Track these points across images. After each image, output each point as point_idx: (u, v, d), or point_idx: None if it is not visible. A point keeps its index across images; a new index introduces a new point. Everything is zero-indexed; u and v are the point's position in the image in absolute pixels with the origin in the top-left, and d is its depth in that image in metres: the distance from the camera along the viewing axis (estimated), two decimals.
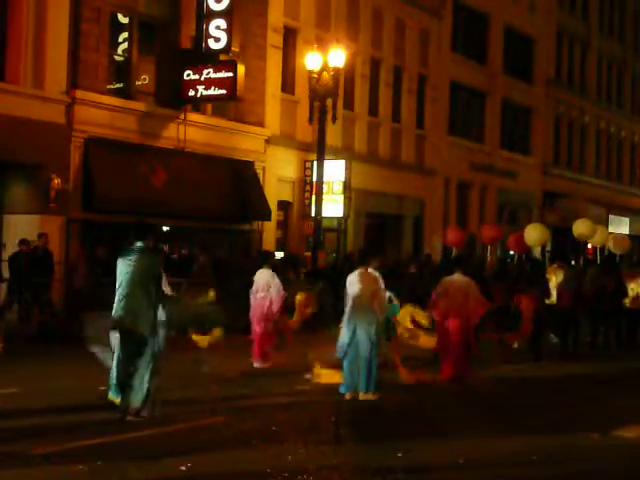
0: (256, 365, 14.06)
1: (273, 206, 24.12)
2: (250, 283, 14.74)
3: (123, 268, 9.71)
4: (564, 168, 41.34)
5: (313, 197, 24.08)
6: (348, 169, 25.65)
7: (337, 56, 22.63)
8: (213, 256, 21.25)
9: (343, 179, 25.52)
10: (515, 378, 14.18)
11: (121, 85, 21.02)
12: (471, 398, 12.29)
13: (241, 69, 21.12)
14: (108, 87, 20.47)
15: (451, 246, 22.31)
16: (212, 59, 21.37)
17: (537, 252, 27.44)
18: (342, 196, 25.52)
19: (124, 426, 9.17)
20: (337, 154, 25.51)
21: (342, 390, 11.57)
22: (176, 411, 10.05)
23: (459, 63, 33.27)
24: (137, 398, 9.56)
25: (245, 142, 23.54)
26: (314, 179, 23.88)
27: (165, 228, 21.91)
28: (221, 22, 21.15)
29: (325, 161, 23.05)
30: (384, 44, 29.26)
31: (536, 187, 38.81)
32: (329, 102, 22.65)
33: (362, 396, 11.40)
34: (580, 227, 21.80)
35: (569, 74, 42.01)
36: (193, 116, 22.12)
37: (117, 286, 9.76)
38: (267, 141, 24.34)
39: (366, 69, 28.41)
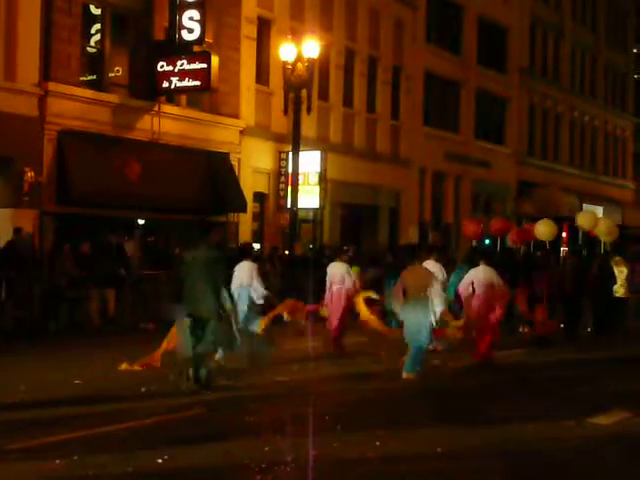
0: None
1: (249, 198, 24.07)
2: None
3: (188, 262, 11.17)
4: (538, 157, 41.56)
5: (289, 188, 24.05)
6: (323, 160, 25.65)
7: (311, 47, 22.61)
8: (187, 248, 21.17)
9: (318, 170, 25.51)
10: (502, 365, 14.32)
11: (94, 77, 20.89)
12: (454, 387, 12.36)
13: (215, 60, 21.03)
14: (81, 79, 20.34)
15: (470, 238, 22.70)
16: (186, 50, 21.29)
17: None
18: (318, 187, 25.52)
19: (103, 419, 9.14)
20: (312, 145, 25.48)
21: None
22: (155, 403, 10.03)
23: (433, 53, 33.32)
24: (204, 372, 11.00)
25: (220, 134, 23.46)
26: (289, 170, 23.84)
27: (140, 221, 21.83)
28: (194, 13, 21.06)
29: (300, 152, 23.02)
30: (358, 35, 29.24)
31: (511, 177, 38.99)
32: (304, 93, 22.62)
33: (405, 375, 12.32)
34: (583, 219, 22.66)
35: (543, 64, 42.20)
36: (167, 108, 22.02)
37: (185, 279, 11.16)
38: (242, 132, 24.28)
39: (341, 60, 28.39)
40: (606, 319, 19.49)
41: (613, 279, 19.51)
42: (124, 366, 12.37)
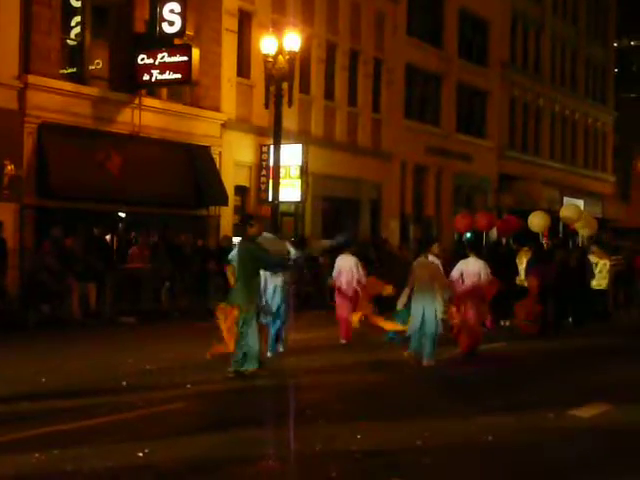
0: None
1: (230, 191, 24.04)
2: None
3: (237, 255, 11.86)
4: (519, 151, 41.69)
5: (270, 182, 24.02)
6: (305, 153, 25.63)
7: (292, 40, 22.52)
8: (170, 241, 21.18)
9: (300, 163, 25.49)
10: (485, 357, 14.49)
11: (74, 70, 20.78)
12: (437, 378, 12.47)
13: (196, 53, 20.97)
14: (61, 72, 20.23)
15: (461, 232, 23.12)
16: (166, 43, 21.22)
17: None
18: (299, 180, 25.51)
19: (83, 412, 9.11)
20: (294, 138, 25.45)
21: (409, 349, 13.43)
22: (136, 397, 10.02)
23: (415, 46, 33.34)
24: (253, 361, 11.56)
25: (201, 127, 23.41)
26: (271, 163, 23.79)
27: (121, 214, 21.76)
28: (175, 5, 20.99)
29: (282, 145, 22.96)
30: (340, 28, 29.22)
31: (491, 170, 39.09)
32: (285, 86, 22.56)
33: (426, 362, 13.19)
34: (567, 211, 22.93)
35: (524, 57, 42.31)
36: (148, 101, 21.94)
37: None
38: (223, 125, 24.24)
39: (322, 53, 28.36)
40: (586, 311, 19.65)
41: (592, 271, 19.67)
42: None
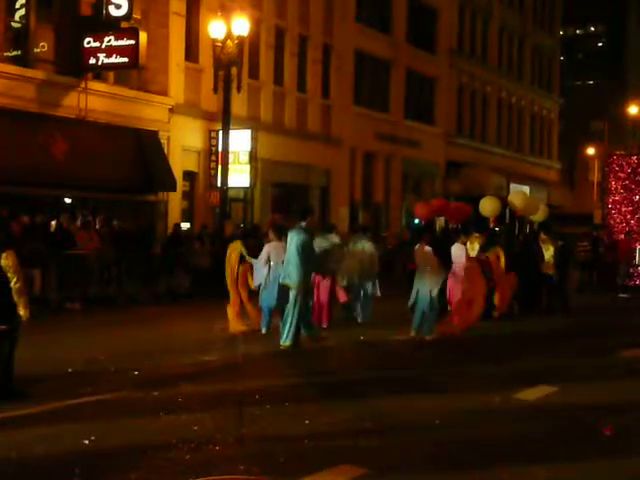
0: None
1: (178, 176, 23.89)
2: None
3: (289, 241, 13.01)
4: (467, 138, 42.03)
5: (219, 167, 23.93)
6: (254, 139, 25.54)
7: (241, 24, 22.45)
8: (113, 227, 20.96)
9: (249, 149, 25.40)
10: (435, 341, 14.62)
11: (19, 52, 20.46)
12: (388, 360, 12.56)
13: (143, 37, 20.76)
14: (5, 54, 19.93)
15: (421, 220, 23.55)
16: (113, 26, 20.98)
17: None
18: (248, 166, 25.42)
19: (28, 400, 9.02)
20: (243, 124, 25.36)
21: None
22: (83, 383, 9.93)
23: (363, 33, 33.38)
24: (291, 334, 12.88)
25: (149, 111, 23.21)
26: (220, 149, 23.70)
27: (67, 200, 21.51)
28: None
29: (231, 131, 22.90)
30: (288, 13, 29.12)
31: (439, 156, 39.36)
32: (234, 71, 22.49)
33: (428, 338, 14.43)
34: (514, 198, 23.16)
35: (471, 44, 42.61)
36: (94, 84, 21.69)
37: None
38: (171, 110, 24.05)
39: (271, 38, 28.25)
40: (531, 297, 19.83)
41: (540, 257, 19.87)
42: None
